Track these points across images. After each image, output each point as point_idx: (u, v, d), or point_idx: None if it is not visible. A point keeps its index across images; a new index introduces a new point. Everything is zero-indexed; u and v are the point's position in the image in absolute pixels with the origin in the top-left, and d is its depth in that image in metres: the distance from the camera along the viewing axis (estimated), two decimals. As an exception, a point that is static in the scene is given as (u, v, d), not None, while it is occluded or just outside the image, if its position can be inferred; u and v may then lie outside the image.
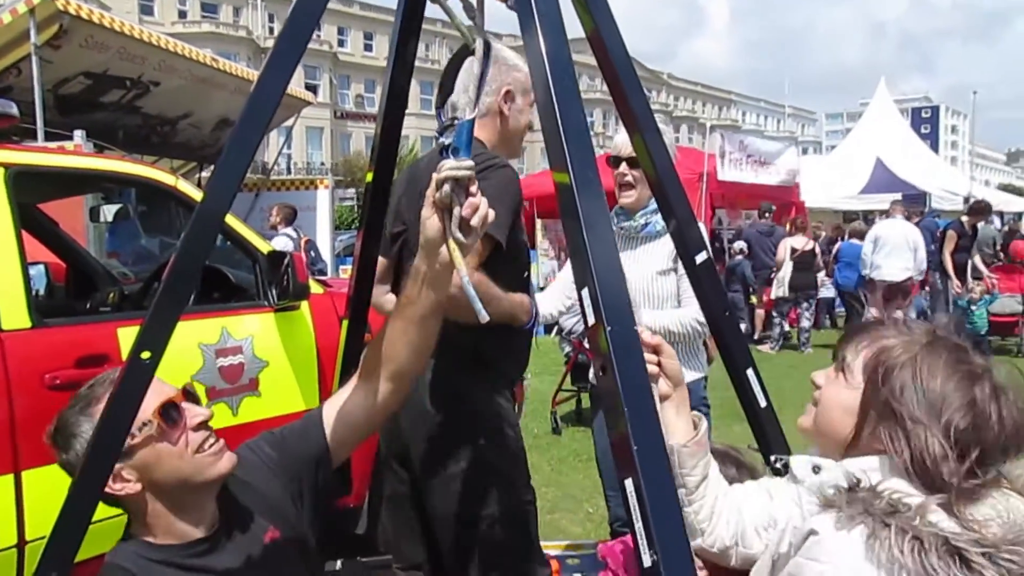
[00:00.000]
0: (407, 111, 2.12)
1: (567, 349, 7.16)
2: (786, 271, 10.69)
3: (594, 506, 4.71)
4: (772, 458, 1.71)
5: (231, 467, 1.61)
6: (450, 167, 1.33)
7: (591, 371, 3.61)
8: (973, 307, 10.28)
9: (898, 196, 13.15)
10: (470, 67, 1.57)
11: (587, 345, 4.47)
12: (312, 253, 9.56)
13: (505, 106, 2.39)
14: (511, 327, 2.27)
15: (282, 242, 8.51)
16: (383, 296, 2.47)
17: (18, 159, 2.92)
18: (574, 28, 1.53)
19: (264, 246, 3.50)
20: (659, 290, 3.03)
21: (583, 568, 3.27)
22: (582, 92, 1.48)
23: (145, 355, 1.36)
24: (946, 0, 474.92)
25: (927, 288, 11.58)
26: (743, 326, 11.42)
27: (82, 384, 1.63)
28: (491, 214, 1.39)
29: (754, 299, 11.69)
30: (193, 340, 3.08)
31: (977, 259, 10.95)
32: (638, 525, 1.18)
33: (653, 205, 3.02)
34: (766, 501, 1.58)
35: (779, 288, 10.81)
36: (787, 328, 11.36)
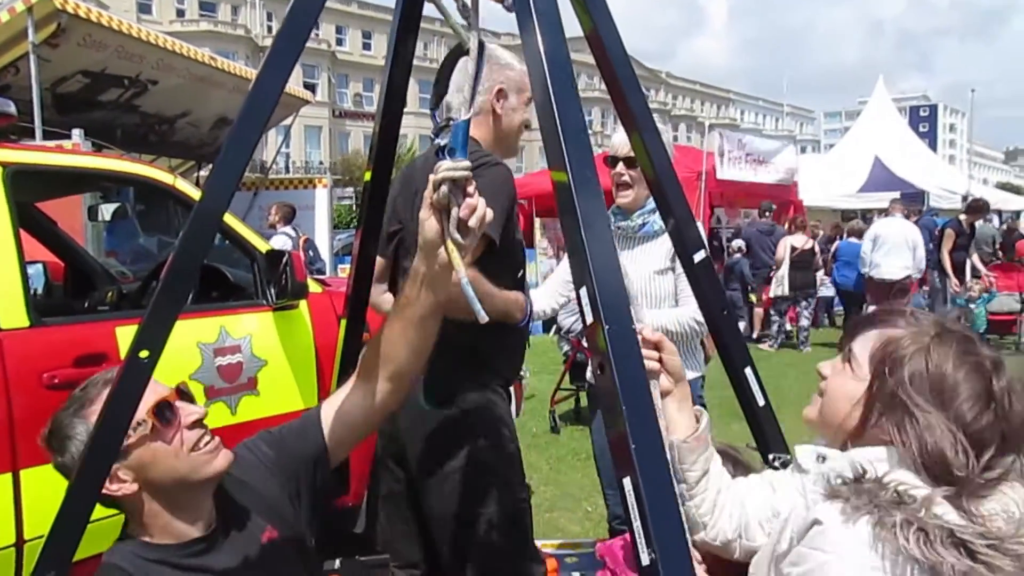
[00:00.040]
0: (405, 110, 2.12)
1: (565, 348, 7.16)
2: (785, 270, 10.70)
3: (592, 505, 4.71)
4: (770, 457, 1.71)
5: (227, 464, 1.61)
6: (447, 168, 1.33)
7: (588, 370, 3.62)
8: (972, 305, 10.29)
9: (896, 195, 13.15)
10: (464, 67, 1.57)
11: (585, 344, 4.47)
12: (311, 252, 9.55)
13: (498, 105, 2.40)
14: (506, 325, 2.27)
15: (281, 241, 8.50)
16: (381, 295, 2.47)
17: (16, 158, 2.92)
18: (572, 27, 1.53)
19: (262, 245, 3.50)
20: (657, 290, 3.03)
21: (581, 567, 3.27)
22: (580, 91, 1.48)
23: (143, 354, 1.36)
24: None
25: (926, 287, 11.59)
26: (742, 324, 11.43)
27: (80, 383, 1.63)
28: (489, 214, 1.39)
29: (753, 297, 11.69)
30: (191, 339, 3.08)
31: (975, 258, 10.96)
32: (636, 524, 1.18)
33: (650, 205, 3.02)
34: (769, 494, 1.58)
35: (778, 287, 10.82)
36: (789, 327, 11.37)
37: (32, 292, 2.95)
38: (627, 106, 1.59)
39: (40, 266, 4.64)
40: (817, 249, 11.40)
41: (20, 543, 2.61)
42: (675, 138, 63.20)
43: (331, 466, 1.78)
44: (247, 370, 3.23)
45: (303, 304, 3.48)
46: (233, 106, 9.15)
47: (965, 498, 1.20)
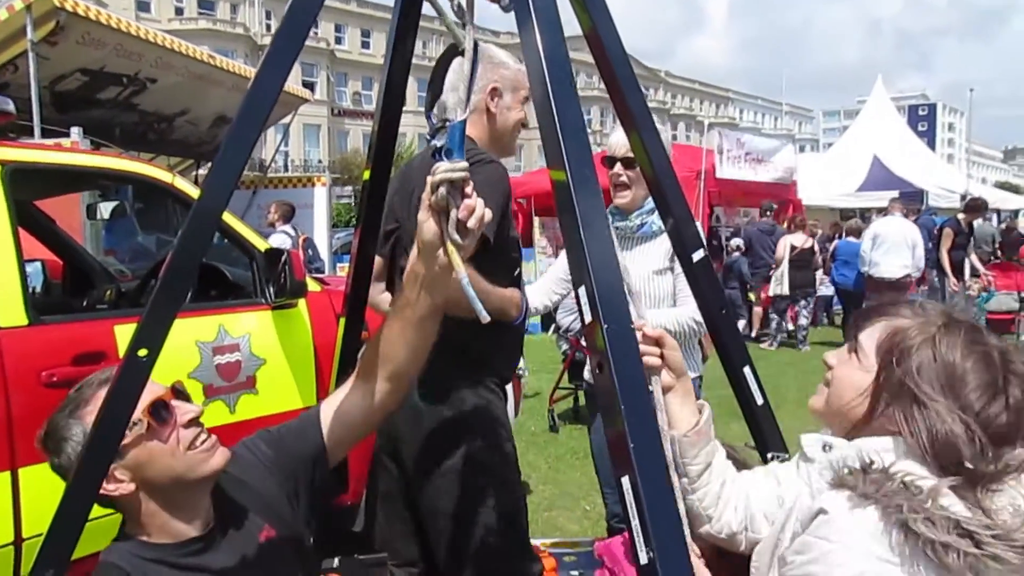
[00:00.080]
0: (404, 108, 2.12)
1: (564, 346, 7.17)
2: (785, 269, 10.71)
3: (591, 503, 4.71)
4: (769, 456, 1.72)
5: (224, 462, 1.61)
6: (444, 170, 1.33)
7: (585, 368, 3.62)
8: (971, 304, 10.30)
9: (895, 194, 13.16)
10: (459, 67, 1.57)
11: (584, 343, 4.47)
12: (310, 251, 9.55)
13: (492, 103, 2.40)
14: (501, 323, 2.26)
15: (280, 239, 8.50)
16: (379, 295, 2.47)
17: (15, 156, 2.91)
18: (571, 26, 1.53)
19: (261, 244, 3.50)
20: (655, 290, 3.03)
21: (580, 565, 3.27)
22: (579, 89, 1.48)
23: (142, 352, 1.36)
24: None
25: (924, 286, 11.59)
26: (741, 323, 11.44)
27: (79, 381, 1.63)
28: (488, 214, 1.39)
29: (751, 296, 11.70)
30: (190, 338, 3.07)
31: (974, 257, 10.97)
32: (635, 522, 1.18)
33: (649, 205, 3.01)
34: (774, 486, 1.59)
35: (778, 286, 10.83)
36: (790, 326, 11.37)
37: (31, 290, 2.95)
38: (626, 105, 1.59)
39: (39, 264, 4.64)
40: (816, 248, 11.40)
41: (18, 541, 2.61)
42: (674, 137, 63.22)
43: (330, 466, 1.78)
44: (246, 369, 3.23)
45: (302, 303, 3.48)
46: (232, 104, 9.14)
47: (972, 489, 1.20)
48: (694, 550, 1.50)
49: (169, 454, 1.54)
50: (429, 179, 1.34)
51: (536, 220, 13.37)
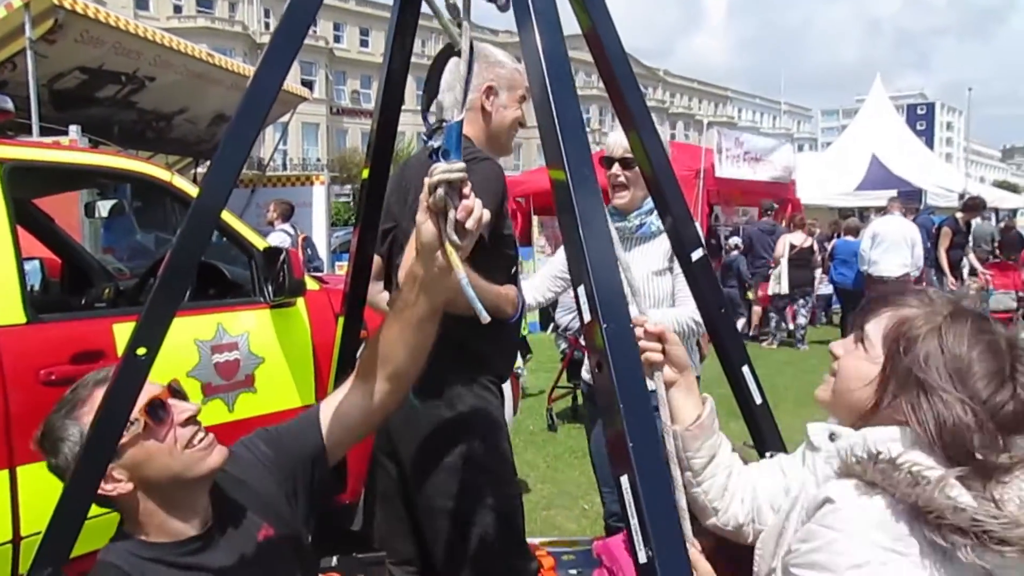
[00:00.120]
0: (403, 107, 2.11)
1: (563, 345, 7.17)
2: (784, 268, 10.71)
3: (589, 502, 4.72)
4: (767, 454, 1.72)
5: (222, 461, 1.60)
6: (442, 170, 1.33)
7: (583, 368, 3.62)
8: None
9: (893, 193, 13.17)
10: (455, 67, 1.57)
11: (583, 342, 4.47)
12: (309, 250, 9.54)
13: (487, 102, 2.40)
14: (496, 320, 2.26)
15: (279, 238, 8.50)
16: (378, 294, 2.47)
17: (13, 154, 2.91)
18: (570, 24, 1.53)
19: (260, 242, 3.50)
20: (654, 290, 3.03)
21: (578, 564, 3.27)
22: (578, 89, 1.48)
23: (141, 351, 1.36)
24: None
25: (923, 284, 11.60)
26: (741, 321, 11.45)
27: (77, 380, 1.63)
28: (486, 214, 1.38)
29: (750, 295, 11.70)
30: (189, 336, 3.07)
31: (972, 256, 10.98)
32: (633, 522, 1.18)
33: (647, 206, 3.01)
34: (780, 477, 1.59)
35: (776, 284, 10.84)
36: (791, 325, 11.37)
37: (29, 289, 2.94)
38: (625, 104, 1.59)
39: (37, 263, 4.63)
40: (816, 247, 11.41)
41: (17, 539, 2.61)
42: (673, 136, 63.25)
43: (329, 465, 1.78)
44: (244, 367, 3.23)
45: (300, 301, 3.48)
46: (230, 103, 9.13)
47: (980, 480, 1.20)
48: (694, 544, 1.51)
49: (167, 453, 1.53)
50: (427, 180, 1.34)
51: (535, 219, 13.38)
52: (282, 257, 3.31)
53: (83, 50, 7.24)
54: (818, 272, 11.53)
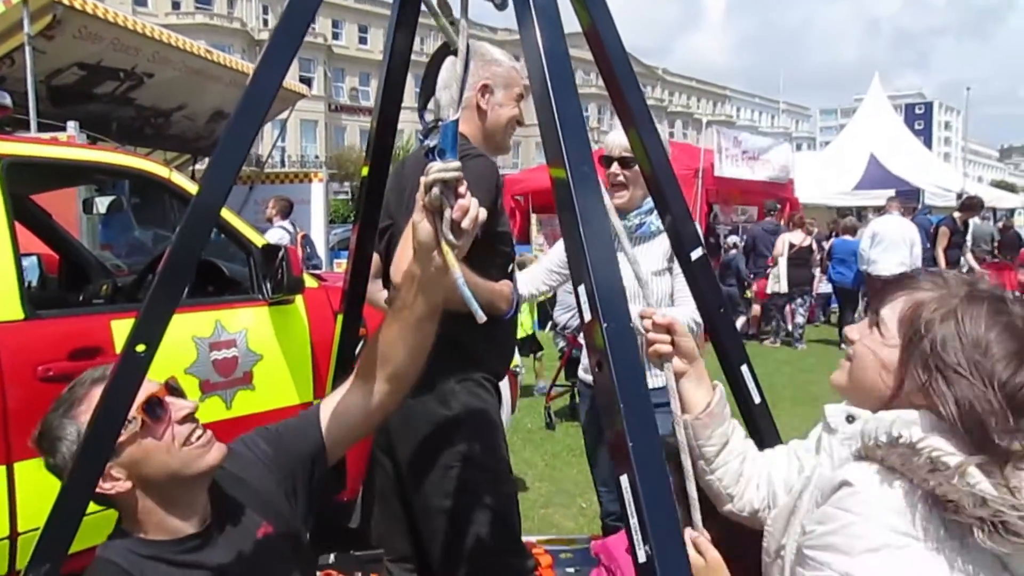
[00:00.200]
0: (403, 105, 2.11)
1: (561, 344, 7.17)
2: (783, 266, 10.72)
3: (587, 501, 4.72)
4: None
5: (220, 458, 1.60)
6: (437, 170, 1.32)
7: (579, 367, 3.61)
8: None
9: (891, 192, 13.19)
10: (452, 65, 1.56)
11: (582, 340, 4.47)
12: (307, 248, 9.53)
13: (483, 100, 2.39)
14: (492, 318, 2.26)
15: (277, 234, 8.48)
16: (377, 292, 2.47)
17: (11, 150, 2.91)
18: (570, 22, 1.52)
19: (258, 239, 3.50)
20: (654, 290, 3.03)
21: (576, 563, 3.28)
22: (577, 87, 1.47)
23: (140, 348, 1.36)
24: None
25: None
26: (741, 319, 11.45)
27: (75, 377, 1.62)
28: (483, 213, 1.38)
29: (749, 293, 11.70)
30: (187, 333, 3.07)
31: (969, 255, 10.99)
32: (633, 521, 1.18)
33: (647, 205, 3.00)
34: (794, 461, 1.59)
35: (775, 283, 10.84)
36: (790, 325, 11.37)
37: (27, 285, 2.94)
38: (625, 102, 1.59)
39: (35, 259, 4.63)
40: (815, 247, 11.42)
41: (14, 535, 2.61)
42: (671, 135, 63.20)
43: (328, 464, 1.78)
44: (242, 364, 3.23)
45: (299, 299, 3.48)
46: (229, 99, 9.12)
47: (999, 467, 1.19)
48: (704, 534, 1.51)
49: (164, 451, 1.53)
50: (422, 179, 1.34)
51: (533, 217, 13.38)
52: (280, 254, 3.31)
53: (81, 46, 7.23)
54: (817, 271, 11.54)
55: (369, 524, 2.62)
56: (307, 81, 43.92)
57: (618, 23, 1.54)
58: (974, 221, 11.37)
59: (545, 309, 7.73)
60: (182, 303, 1.41)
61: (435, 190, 1.33)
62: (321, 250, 10.70)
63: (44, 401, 1.63)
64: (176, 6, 48.93)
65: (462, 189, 1.35)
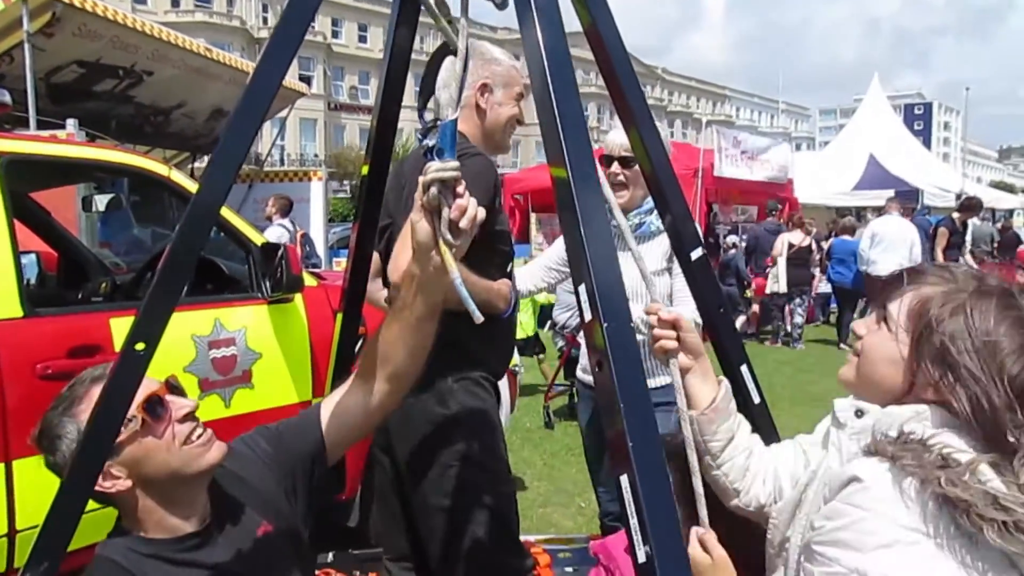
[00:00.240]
0: (403, 103, 2.11)
1: (560, 344, 7.17)
2: (782, 266, 10.72)
3: (586, 500, 4.72)
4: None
5: (220, 457, 1.60)
6: (435, 169, 1.32)
7: (578, 366, 3.61)
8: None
9: (891, 193, 13.20)
10: (451, 64, 1.56)
11: (581, 340, 4.47)
12: (307, 247, 9.53)
13: (482, 99, 2.39)
14: (490, 317, 2.26)
15: (277, 233, 8.48)
16: (377, 291, 2.47)
17: (10, 147, 2.91)
18: (570, 22, 1.52)
19: (258, 238, 3.49)
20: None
21: (574, 562, 3.28)
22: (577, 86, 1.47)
23: (139, 346, 1.36)
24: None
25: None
26: (741, 319, 11.46)
27: (74, 374, 1.62)
28: (481, 213, 1.38)
29: (749, 293, 11.70)
30: (186, 331, 3.07)
31: (968, 256, 11.00)
32: (633, 521, 1.18)
33: (647, 205, 3.00)
34: (801, 456, 1.59)
35: (775, 283, 10.84)
36: (789, 325, 11.38)
37: (26, 282, 2.94)
38: (625, 102, 1.59)
39: (34, 256, 4.62)
40: (814, 247, 11.42)
41: (12, 533, 2.61)
42: (671, 134, 63.23)
43: (328, 464, 1.78)
44: (241, 363, 3.23)
45: (298, 297, 3.48)
46: (228, 97, 9.11)
47: (1010, 464, 1.18)
48: (711, 532, 1.51)
49: (164, 450, 1.53)
50: (420, 179, 1.34)
51: (533, 216, 13.38)
52: (280, 253, 3.31)
53: (81, 44, 7.22)
54: (816, 271, 11.54)
55: (368, 523, 2.62)
56: (307, 79, 43.81)
57: (617, 22, 1.54)
58: (973, 222, 11.38)
59: (544, 308, 7.72)
60: (181, 301, 1.41)
61: (433, 190, 1.32)
62: (320, 249, 10.69)
63: (43, 399, 1.63)
64: (175, 4, 48.83)
65: (460, 189, 1.35)
